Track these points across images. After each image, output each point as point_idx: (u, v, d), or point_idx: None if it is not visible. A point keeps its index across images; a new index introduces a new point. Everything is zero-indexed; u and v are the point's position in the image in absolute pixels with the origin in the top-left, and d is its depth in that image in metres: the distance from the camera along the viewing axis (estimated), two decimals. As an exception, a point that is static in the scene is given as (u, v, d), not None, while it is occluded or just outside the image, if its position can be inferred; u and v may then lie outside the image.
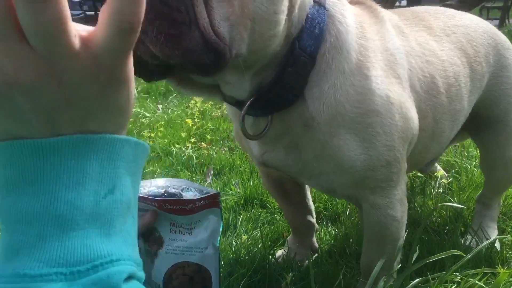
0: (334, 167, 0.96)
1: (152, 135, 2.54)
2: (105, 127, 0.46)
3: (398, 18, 1.17)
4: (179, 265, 1.09)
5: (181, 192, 1.06)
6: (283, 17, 0.80)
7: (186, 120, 2.74)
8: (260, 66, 0.85)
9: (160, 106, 3.43)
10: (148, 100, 3.73)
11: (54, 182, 0.43)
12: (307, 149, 0.96)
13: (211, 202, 1.05)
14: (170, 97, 3.77)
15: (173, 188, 1.08)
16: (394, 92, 0.96)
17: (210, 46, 0.70)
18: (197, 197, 1.03)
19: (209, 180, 2.05)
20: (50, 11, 0.38)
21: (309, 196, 1.44)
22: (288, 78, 0.86)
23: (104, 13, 0.41)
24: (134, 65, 0.47)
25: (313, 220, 1.45)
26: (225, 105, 3.31)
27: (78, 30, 0.42)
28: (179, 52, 0.68)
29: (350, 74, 0.91)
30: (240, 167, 2.16)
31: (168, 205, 1.05)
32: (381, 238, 1.08)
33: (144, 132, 2.61)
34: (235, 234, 1.54)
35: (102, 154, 0.46)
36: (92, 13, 10.74)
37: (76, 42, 0.41)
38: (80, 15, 11.10)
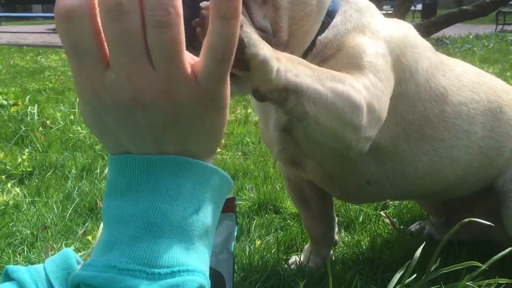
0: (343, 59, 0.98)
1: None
2: (200, 149, 0.53)
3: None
4: None
5: None
6: (314, 5, 0.90)
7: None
8: (301, 53, 0.93)
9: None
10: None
11: (153, 193, 0.50)
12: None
13: (226, 206, 1.05)
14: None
15: None
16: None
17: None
18: None
19: (223, 184, 2.07)
20: (172, 35, 0.43)
21: (332, 208, 1.43)
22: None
23: (204, 44, 0.47)
24: None
25: (333, 233, 1.44)
26: (238, 110, 3.32)
27: (190, 58, 0.48)
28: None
29: (374, 22, 1.01)
30: (254, 172, 2.18)
31: None
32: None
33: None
34: (249, 239, 1.55)
35: (195, 177, 0.52)
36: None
37: (187, 67, 0.46)
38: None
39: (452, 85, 1.18)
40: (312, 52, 0.96)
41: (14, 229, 1.65)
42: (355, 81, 0.85)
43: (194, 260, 0.53)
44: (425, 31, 9.23)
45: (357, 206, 1.73)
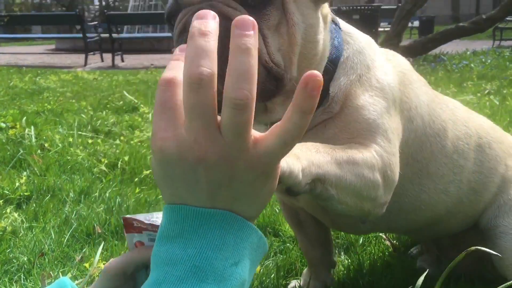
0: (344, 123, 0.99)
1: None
2: (245, 210, 0.59)
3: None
4: None
5: None
6: (321, 36, 0.92)
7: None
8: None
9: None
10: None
11: (201, 242, 0.57)
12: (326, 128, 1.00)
13: None
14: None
15: None
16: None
17: (272, 75, 0.83)
18: None
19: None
20: (245, 117, 0.52)
21: (329, 231, 1.42)
22: None
23: (276, 127, 0.55)
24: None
25: (331, 256, 1.43)
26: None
27: (253, 132, 0.56)
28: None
29: (374, 69, 1.02)
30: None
31: None
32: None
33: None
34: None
35: (238, 232, 0.59)
36: (107, 35, 10.90)
37: (251, 140, 0.55)
38: (95, 38, 11.27)
39: (449, 119, 1.20)
40: (322, 106, 0.97)
41: (11, 255, 1.64)
42: (368, 154, 0.90)
43: None
44: (423, 47, 9.31)
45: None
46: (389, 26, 10.89)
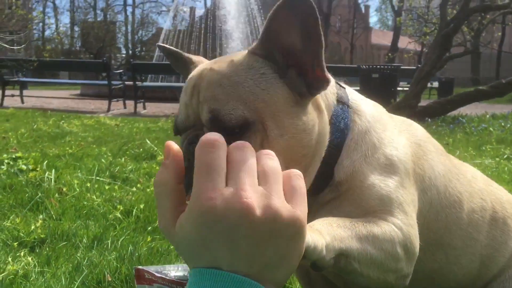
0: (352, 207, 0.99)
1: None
2: (275, 277, 0.64)
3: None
4: None
5: None
6: (311, 136, 0.92)
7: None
8: (305, 169, 0.93)
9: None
10: (178, 173, 3.81)
11: None
12: (329, 207, 1.00)
13: None
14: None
15: None
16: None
17: None
18: None
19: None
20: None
21: None
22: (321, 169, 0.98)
23: None
24: None
25: None
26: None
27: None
28: None
29: (380, 146, 1.02)
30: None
31: None
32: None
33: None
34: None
35: None
36: (131, 83, 11.22)
37: None
38: (119, 85, 11.61)
39: (466, 191, 1.20)
40: (328, 187, 1.00)
41: (20, 300, 1.64)
42: (387, 228, 0.92)
43: None
44: (441, 109, 9.35)
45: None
46: (408, 86, 11.03)
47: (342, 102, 1.03)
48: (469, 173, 1.27)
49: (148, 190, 3.12)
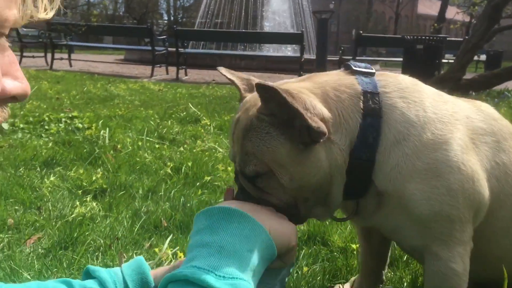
0: (403, 219, 1.11)
1: (229, 168, 2.75)
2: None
3: None
4: None
5: None
6: (326, 169, 1.06)
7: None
8: (328, 191, 1.10)
9: (232, 143, 3.67)
10: (221, 136, 3.99)
11: (224, 231, 0.86)
12: (382, 212, 1.13)
13: None
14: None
15: None
16: (467, 163, 1.09)
17: (288, 209, 1.07)
18: None
19: (275, 215, 2.22)
20: None
21: (389, 248, 1.52)
22: (352, 181, 1.09)
23: None
24: None
25: (383, 271, 1.53)
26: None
27: None
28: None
29: (416, 153, 1.08)
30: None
31: None
32: None
33: (218, 165, 2.83)
34: (297, 266, 1.69)
35: (253, 228, 0.88)
36: (173, 49, 11.41)
37: None
38: (163, 51, 11.84)
39: None
40: (370, 195, 1.12)
41: (89, 238, 1.87)
42: (451, 258, 1.11)
43: (247, 277, 0.82)
44: (487, 83, 9.13)
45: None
46: (454, 58, 10.76)
47: (372, 115, 1.08)
48: None
49: (194, 150, 3.32)
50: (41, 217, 2.08)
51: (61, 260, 1.67)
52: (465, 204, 1.09)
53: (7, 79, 0.65)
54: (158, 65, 11.97)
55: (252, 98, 1.10)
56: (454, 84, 8.49)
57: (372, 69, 1.17)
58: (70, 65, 12.90)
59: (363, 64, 1.18)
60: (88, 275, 1.15)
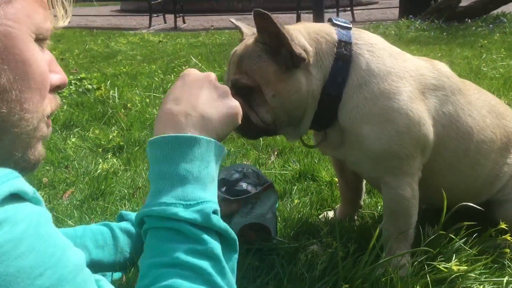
0: (360, 154, 1.41)
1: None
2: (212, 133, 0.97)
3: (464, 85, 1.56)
4: (247, 226, 1.57)
5: (241, 183, 1.55)
6: (303, 93, 1.34)
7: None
8: (302, 116, 1.39)
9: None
10: (222, 86, 4.25)
11: (180, 159, 0.89)
12: (344, 146, 1.44)
13: (269, 185, 1.54)
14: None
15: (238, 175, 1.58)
16: (415, 111, 1.36)
17: (261, 130, 1.39)
18: (259, 190, 1.52)
19: (272, 158, 2.54)
20: None
21: (363, 181, 1.83)
22: (321, 113, 1.39)
23: None
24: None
25: (360, 199, 1.86)
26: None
27: None
28: (251, 133, 1.43)
29: (373, 98, 1.35)
30: (298, 147, 2.62)
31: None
32: (394, 213, 1.46)
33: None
34: (290, 199, 2.02)
35: (204, 147, 0.92)
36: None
37: None
38: (158, 0, 11.78)
39: (477, 125, 1.50)
40: (332, 128, 1.42)
41: (115, 189, 2.21)
42: (400, 186, 1.42)
43: (209, 196, 0.90)
44: (483, 9, 9.09)
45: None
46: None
47: (342, 59, 1.36)
48: (484, 108, 1.54)
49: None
50: (71, 175, 2.42)
51: (96, 208, 2.01)
52: (411, 143, 1.38)
53: (51, 74, 0.84)
54: (156, 15, 11.98)
55: (250, 38, 1.40)
56: (450, 12, 8.53)
57: (350, 25, 1.45)
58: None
59: (343, 20, 1.46)
60: (121, 218, 1.47)
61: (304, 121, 1.41)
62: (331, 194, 2.04)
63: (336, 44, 1.38)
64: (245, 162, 2.47)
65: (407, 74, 1.41)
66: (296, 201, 1.96)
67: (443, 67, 1.53)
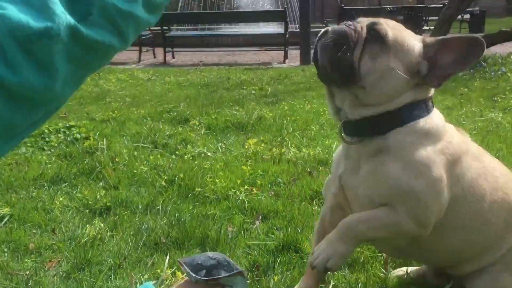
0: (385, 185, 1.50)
1: (216, 180, 3.10)
2: None
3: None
4: None
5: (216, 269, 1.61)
6: (399, 95, 1.49)
7: (242, 166, 3.30)
8: (373, 104, 1.50)
9: (220, 145, 4.02)
10: (210, 136, 4.34)
11: None
12: (369, 168, 1.53)
13: (239, 272, 1.60)
14: (228, 135, 4.37)
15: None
16: (437, 173, 1.50)
17: (348, 68, 1.44)
18: (232, 273, 1.57)
19: (257, 223, 2.60)
20: None
21: None
22: (384, 123, 1.51)
23: None
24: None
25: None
26: (274, 149, 3.82)
27: None
28: (334, 62, 1.46)
29: (424, 144, 1.50)
30: (283, 211, 2.69)
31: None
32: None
33: (207, 177, 3.18)
34: (273, 274, 2.07)
35: None
36: (158, 30, 11.52)
37: None
38: (149, 36, 11.94)
39: (491, 187, 1.63)
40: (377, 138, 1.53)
41: (101, 258, 2.24)
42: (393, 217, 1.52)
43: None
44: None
45: (359, 248, 2.21)
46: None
47: (428, 109, 1.55)
48: (497, 170, 1.68)
49: (185, 157, 3.67)
50: (57, 240, 2.45)
51: (81, 282, 2.05)
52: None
53: None
54: (145, 49, 12.16)
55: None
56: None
57: None
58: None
59: None
60: None
61: (377, 107, 1.50)
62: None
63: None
64: (230, 228, 2.52)
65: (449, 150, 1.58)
66: (275, 278, 2.01)
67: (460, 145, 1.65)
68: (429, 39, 1.54)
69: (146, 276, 2.06)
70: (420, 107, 1.53)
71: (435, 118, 1.57)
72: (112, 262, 2.21)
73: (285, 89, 7.61)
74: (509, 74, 7.66)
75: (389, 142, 1.50)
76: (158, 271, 2.08)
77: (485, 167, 1.65)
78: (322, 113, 5.35)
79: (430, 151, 1.49)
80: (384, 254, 2.20)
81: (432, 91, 1.57)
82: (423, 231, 1.53)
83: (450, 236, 1.63)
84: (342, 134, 1.59)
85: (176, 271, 2.04)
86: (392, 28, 1.49)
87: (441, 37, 1.52)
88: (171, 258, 2.20)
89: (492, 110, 5.26)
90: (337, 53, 1.43)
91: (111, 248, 2.34)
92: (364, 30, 1.47)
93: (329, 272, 1.85)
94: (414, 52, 1.49)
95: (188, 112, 5.17)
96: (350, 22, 1.49)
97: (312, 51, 1.61)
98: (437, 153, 1.50)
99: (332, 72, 1.47)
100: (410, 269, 2.04)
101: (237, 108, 5.45)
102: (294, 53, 12.38)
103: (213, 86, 7.62)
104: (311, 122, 4.82)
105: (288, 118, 4.94)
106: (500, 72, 7.83)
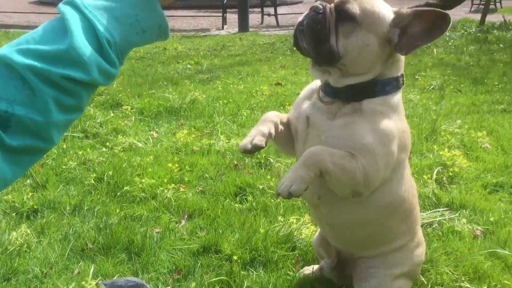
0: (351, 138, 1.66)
1: (144, 180, 3.19)
2: None
3: None
4: None
5: None
6: (375, 66, 1.63)
7: (168, 164, 3.40)
8: (356, 74, 1.65)
9: (151, 134, 4.09)
10: (142, 123, 4.38)
11: None
12: (343, 121, 1.69)
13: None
14: (161, 122, 4.43)
15: None
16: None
17: (328, 53, 1.59)
18: None
19: (183, 222, 2.75)
20: None
21: None
22: (360, 92, 1.67)
23: None
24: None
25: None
26: (204, 140, 3.94)
27: None
28: (314, 49, 1.61)
29: (391, 117, 1.67)
30: (207, 209, 2.85)
31: None
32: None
33: (135, 175, 3.26)
34: (194, 277, 2.24)
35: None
36: None
37: None
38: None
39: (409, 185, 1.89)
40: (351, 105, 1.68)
41: (28, 267, 2.32)
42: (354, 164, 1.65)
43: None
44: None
45: (273, 248, 2.42)
46: None
47: (398, 84, 1.69)
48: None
49: (116, 149, 3.72)
50: (-16, 247, 2.49)
51: (8, 295, 2.13)
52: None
53: None
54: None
55: None
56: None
57: None
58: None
59: None
60: None
61: (358, 77, 1.64)
62: (231, 271, 2.28)
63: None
64: (156, 229, 2.65)
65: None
66: (194, 283, 2.18)
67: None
68: (406, 10, 1.67)
69: (71, 286, 2.16)
70: (391, 84, 1.68)
71: (399, 95, 1.75)
72: (38, 271, 2.29)
73: (221, 63, 7.66)
74: (433, 48, 8.03)
75: (363, 107, 1.66)
76: (83, 283, 2.19)
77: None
78: (254, 94, 5.50)
79: (394, 126, 1.67)
80: (296, 253, 2.43)
81: (402, 69, 1.72)
82: (365, 190, 1.70)
83: (361, 228, 1.87)
84: (320, 94, 1.76)
85: (100, 281, 2.17)
86: (360, 2, 1.59)
87: (418, 8, 1.62)
88: (97, 265, 2.31)
89: (412, 90, 5.59)
90: (315, 41, 1.59)
91: (38, 255, 2.41)
92: (334, 14, 1.58)
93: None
94: (385, 21, 1.60)
95: (120, 95, 5.15)
96: (320, 7, 1.59)
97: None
98: (399, 132, 1.69)
99: (314, 57, 1.65)
100: (315, 267, 2.27)
101: (170, 90, 5.47)
102: (234, 18, 12.28)
103: (149, 59, 7.54)
104: (242, 105, 4.95)
105: (221, 101, 5.04)
106: (425, 46, 8.16)
